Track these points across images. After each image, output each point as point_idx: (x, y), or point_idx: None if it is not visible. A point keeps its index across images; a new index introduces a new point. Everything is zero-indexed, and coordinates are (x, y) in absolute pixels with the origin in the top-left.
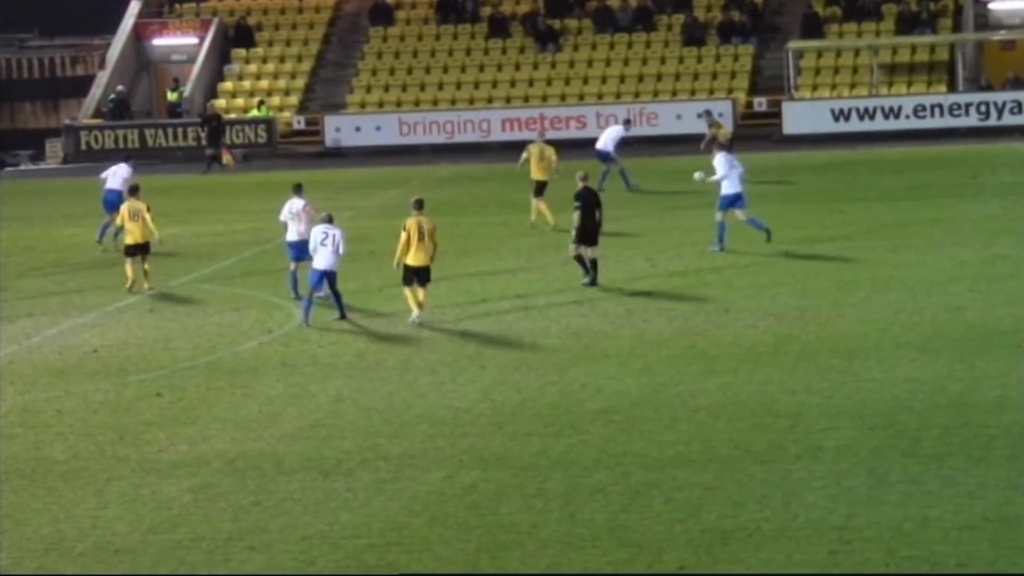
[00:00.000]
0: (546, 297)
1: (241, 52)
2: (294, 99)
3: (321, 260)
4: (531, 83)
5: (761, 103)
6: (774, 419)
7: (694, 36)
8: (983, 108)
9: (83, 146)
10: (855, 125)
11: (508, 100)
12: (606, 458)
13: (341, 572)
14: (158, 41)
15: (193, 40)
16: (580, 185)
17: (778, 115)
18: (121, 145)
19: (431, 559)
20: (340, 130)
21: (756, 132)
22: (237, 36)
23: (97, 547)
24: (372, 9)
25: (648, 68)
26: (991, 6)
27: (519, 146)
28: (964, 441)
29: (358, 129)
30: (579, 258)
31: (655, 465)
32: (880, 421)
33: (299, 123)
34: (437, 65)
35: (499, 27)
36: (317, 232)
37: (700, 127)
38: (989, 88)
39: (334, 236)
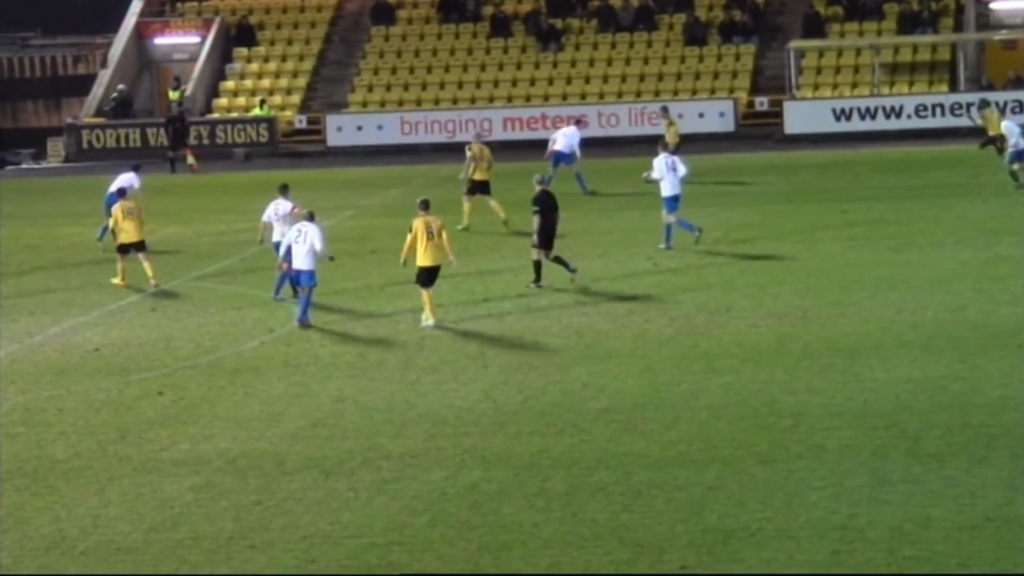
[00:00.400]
0: (548, 296)
1: (243, 51)
2: (296, 98)
3: (296, 259)
4: (533, 82)
5: (763, 103)
6: (776, 419)
7: (696, 35)
8: None
9: (85, 145)
10: (856, 125)
11: (510, 99)
12: (608, 458)
13: (343, 571)
14: (160, 40)
15: (195, 39)
16: (537, 189)
17: (779, 115)
18: (123, 144)
19: (433, 558)
20: (341, 129)
21: (757, 132)
22: (239, 35)
23: (99, 546)
24: (374, 8)
25: (650, 67)
26: (993, 6)
27: (521, 145)
28: (966, 441)
29: (360, 128)
30: (557, 259)
31: (657, 465)
32: (882, 421)
33: (301, 122)
34: (439, 64)
35: (501, 26)
36: (293, 230)
37: (702, 127)
38: (991, 88)
39: (306, 233)
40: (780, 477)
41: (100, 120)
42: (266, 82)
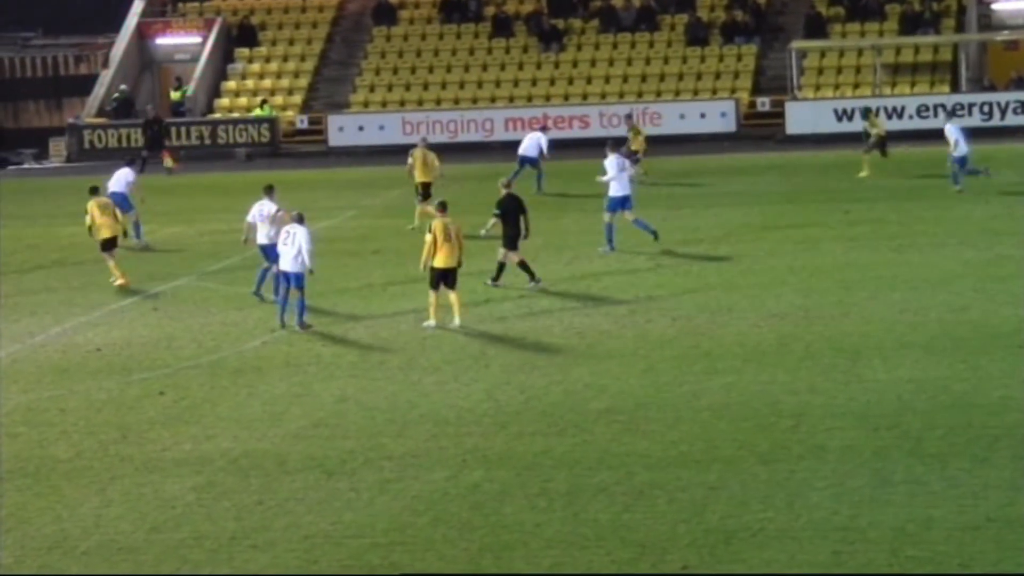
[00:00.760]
0: (549, 297)
1: (244, 51)
2: (297, 98)
3: (284, 262)
4: (534, 83)
5: (764, 103)
6: (777, 419)
7: (697, 36)
8: (986, 108)
9: (87, 145)
10: (858, 125)
11: (511, 100)
12: (609, 458)
13: (344, 571)
14: (162, 40)
15: (196, 39)
16: (503, 192)
17: (781, 115)
18: (125, 144)
19: (434, 558)
20: (343, 129)
21: (759, 132)
22: (240, 35)
23: (100, 546)
24: (375, 8)
25: (651, 68)
26: (994, 7)
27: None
28: (968, 441)
29: (361, 128)
30: (523, 264)
31: (658, 465)
32: (884, 421)
33: (302, 122)
34: (440, 64)
35: (502, 26)
36: (282, 233)
37: (703, 127)
38: (992, 88)
39: (295, 235)
40: (782, 477)
41: (102, 120)
42: (268, 82)
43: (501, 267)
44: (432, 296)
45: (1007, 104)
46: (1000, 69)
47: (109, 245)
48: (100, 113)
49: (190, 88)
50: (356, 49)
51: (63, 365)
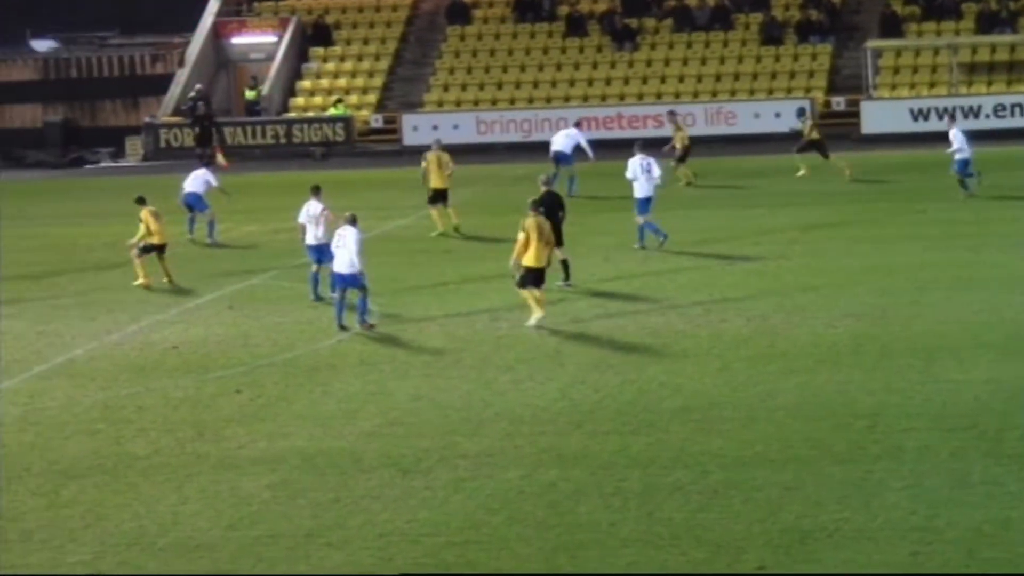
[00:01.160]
0: (624, 295)
1: (319, 50)
2: (372, 97)
3: (338, 263)
4: (608, 82)
5: (839, 102)
6: (853, 419)
7: (772, 35)
8: None
9: (162, 144)
10: (934, 125)
11: (585, 99)
12: (684, 457)
13: (419, 569)
14: (237, 39)
15: (272, 38)
16: (542, 189)
17: (856, 114)
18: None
19: (509, 557)
20: (417, 128)
21: (834, 131)
22: (315, 34)
23: (177, 543)
24: (450, 8)
25: (725, 67)
26: None
27: (597, 145)
28: None
29: (435, 127)
30: (563, 262)
31: (734, 464)
32: (960, 422)
33: (376, 121)
34: (514, 64)
35: (576, 26)
36: (336, 235)
37: (778, 126)
38: None
39: (346, 238)
40: (858, 477)
41: (178, 119)
42: (342, 81)
43: (565, 265)
44: (525, 293)
45: None
46: None
47: (155, 249)
48: (176, 112)
49: (265, 87)
50: (430, 48)
51: (140, 363)
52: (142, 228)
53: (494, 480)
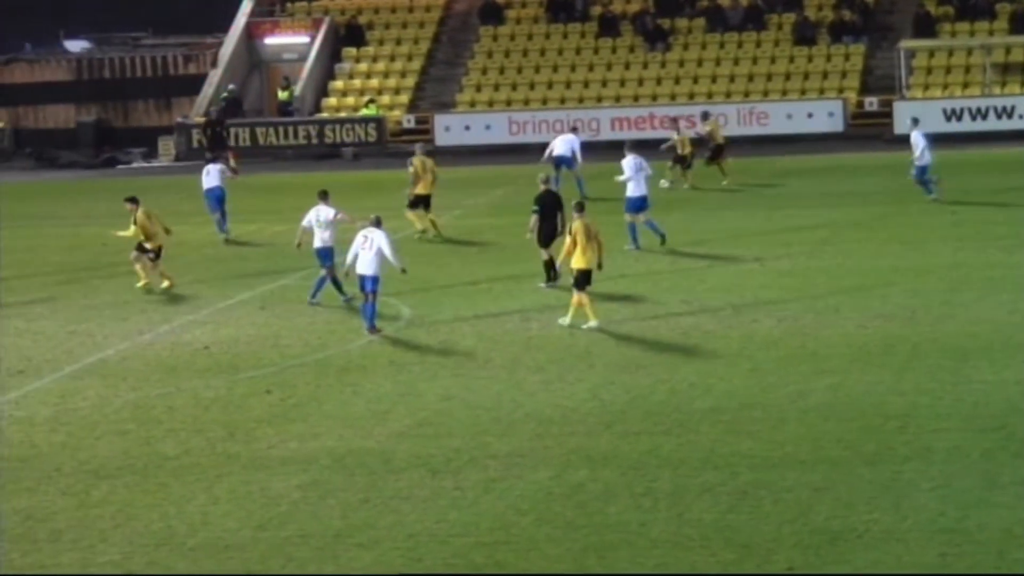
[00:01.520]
0: (654, 296)
1: (352, 51)
2: (404, 98)
3: (362, 264)
4: (641, 82)
5: (872, 103)
6: (884, 420)
7: (805, 35)
8: None
9: (195, 144)
10: (967, 125)
11: (617, 99)
12: (715, 458)
13: (449, 570)
14: (270, 40)
15: (304, 39)
16: (541, 188)
17: (889, 115)
18: (233, 144)
19: (538, 558)
20: (449, 129)
21: (867, 132)
22: (348, 35)
23: (207, 543)
24: (482, 8)
25: (758, 67)
26: None
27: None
28: None
29: (468, 128)
30: (550, 262)
31: (763, 465)
32: (991, 423)
33: (409, 122)
34: (547, 64)
35: (609, 26)
36: (359, 236)
37: (809, 126)
38: None
39: (373, 240)
40: (888, 479)
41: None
42: (375, 82)
43: (548, 265)
44: (577, 297)
45: None
46: None
47: (148, 251)
48: (208, 112)
49: (298, 88)
50: (463, 48)
51: (171, 363)
52: (133, 228)
53: (524, 481)
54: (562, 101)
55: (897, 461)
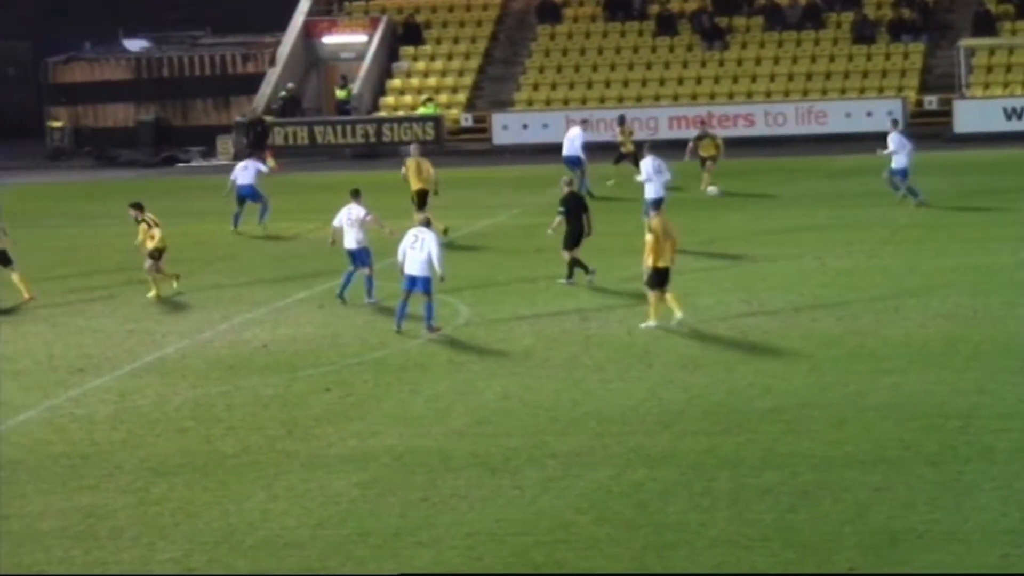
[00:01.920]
0: (713, 295)
1: (409, 50)
2: (462, 97)
3: (411, 265)
4: (699, 81)
5: (931, 101)
6: (945, 420)
7: (864, 34)
8: None
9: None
10: None
11: (675, 98)
12: (774, 457)
13: (508, 569)
14: (328, 39)
15: (362, 38)
16: (565, 191)
17: (949, 113)
18: (291, 142)
19: (598, 557)
20: (507, 128)
21: (926, 131)
22: (405, 34)
23: (266, 541)
24: (540, 7)
25: (817, 66)
26: None
27: (683, 144)
28: None
29: (525, 127)
30: (576, 261)
31: (823, 465)
32: None
33: (466, 120)
34: (604, 63)
35: (667, 24)
36: (408, 236)
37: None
38: None
39: (424, 240)
40: (949, 479)
41: (269, 118)
42: (432, 80)
43: (580, 264)
44: (652, 296)
45: None
46: None
47: (158, 255)
48: (267, 111)
49: (356, 86)
50: (520, 47)
51: (230, 361)
52: (141, 234)
53: (583, 480)
54: (619, 100)
55: (958, 461)
